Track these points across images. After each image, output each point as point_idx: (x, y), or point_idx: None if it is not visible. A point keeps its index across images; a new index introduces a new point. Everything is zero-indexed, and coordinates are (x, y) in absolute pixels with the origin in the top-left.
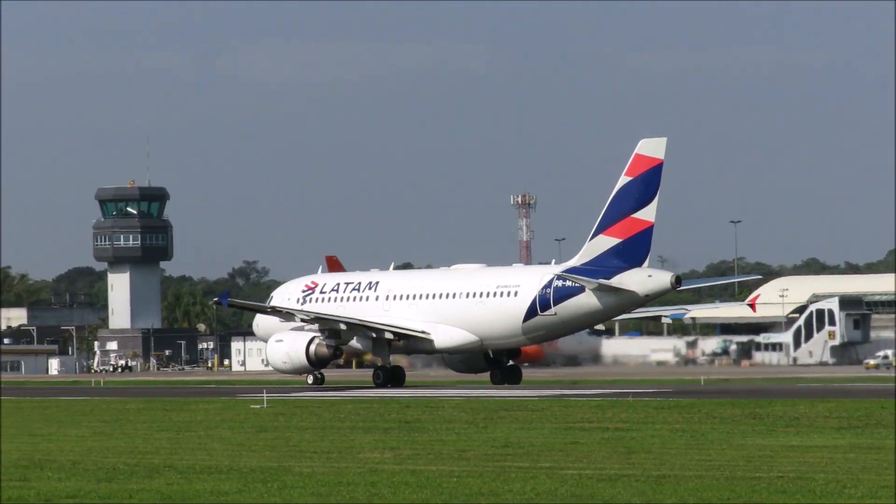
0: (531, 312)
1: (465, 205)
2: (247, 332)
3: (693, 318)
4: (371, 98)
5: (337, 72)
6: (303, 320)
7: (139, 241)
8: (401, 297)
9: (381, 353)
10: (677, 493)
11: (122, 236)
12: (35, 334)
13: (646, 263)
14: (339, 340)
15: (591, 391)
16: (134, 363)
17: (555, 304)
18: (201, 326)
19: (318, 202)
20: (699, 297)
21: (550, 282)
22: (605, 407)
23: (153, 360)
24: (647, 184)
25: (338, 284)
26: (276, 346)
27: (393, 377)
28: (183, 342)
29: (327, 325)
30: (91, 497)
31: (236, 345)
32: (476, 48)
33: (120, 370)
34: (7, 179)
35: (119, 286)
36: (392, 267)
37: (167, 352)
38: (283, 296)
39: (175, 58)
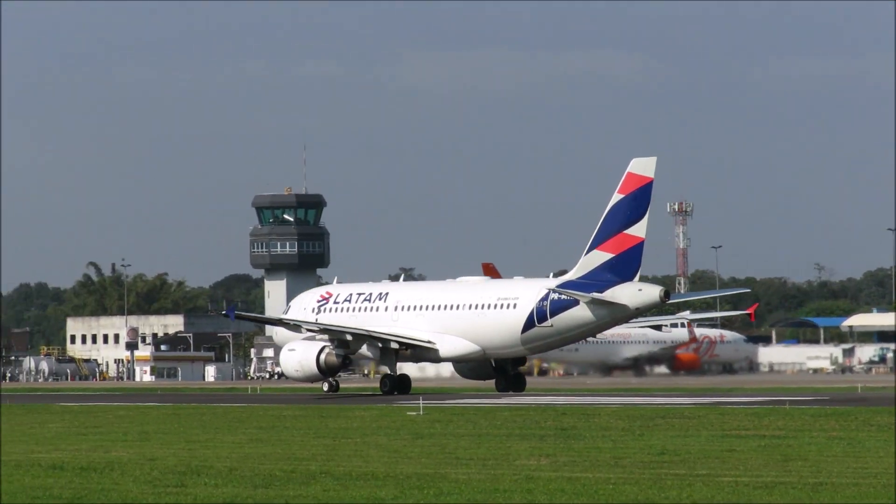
0: (529, 324)
1: None
2: None
3: (850, 326)
4: (526, 105)
5: (493, 79)
6: (308, 330)
7: (296, 249)
8: (409, 308)
9: (388, 361)
10: (834, 500)
11: (278, 243)
12: (192, 341)
13: (636, 277)
14: (348, 350)
15: (747, 399)
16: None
17: (551, 317)
18: None
19: (475, 209)
20: (856, 305)
21: (547, 295)
22: (761, 414)
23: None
24: (637, 201)
25: (350, 295)
26: (289, 354)
27: (399, 384)
28: None
29: (335, 336)
30: (247, 503)
31: None
32: (632, 55)
33: (276, 377)
34: (166, 186)
35: (276, 293)
36: (402, 278)
37: None
38: (300, 306)
39: (332, 65)
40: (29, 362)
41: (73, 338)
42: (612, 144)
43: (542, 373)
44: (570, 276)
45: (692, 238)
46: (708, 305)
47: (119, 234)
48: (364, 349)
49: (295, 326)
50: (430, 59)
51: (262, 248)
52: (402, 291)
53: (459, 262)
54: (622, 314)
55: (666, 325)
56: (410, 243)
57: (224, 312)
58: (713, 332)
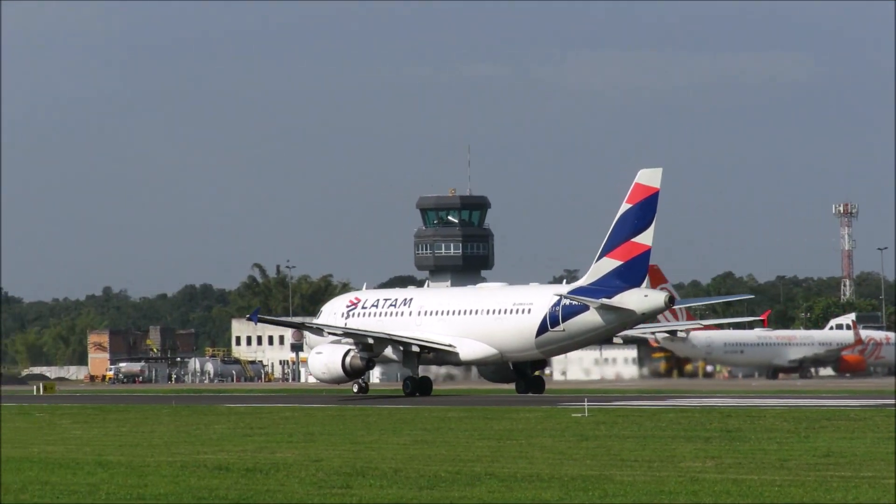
0: (542, 328)
1: (785, 214)
2: None
3: None
4: (684, 107)
5: (649, 80)
6: (332, 334)
7: (460, 250)
8: (431, 313)
9: (410, 364)
10: None
11: (443, 245)
12: None
13: (644, 284)
14: (372, 353)
15: None
16: (456, 372)
17: (563, 321)
18: None
19: None
20: None
21: (560, 300)
22: None
23: (474, 369)
24: (645, 210)
25: (378, 300)
26: (317, 357)
27: (420, 386)
28: None
29: (359, 339)
30: None
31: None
32: (797, 56)
33: (441, 379)
34: (331, 188)
35: None
36: (427, 285)
37: None
38: (330, 310)
39: (496, 66)
40: (194, 363)
41: (237, 339)
42: (778, 146)
43: (708, 375)
44: (582, 282)
45: (857, 240)
46: (873, 307)
47: (284, 236)
48: (388, 352)
49: (318, 330)
50: (593, 60)
51: (426, 249)
52: (425, 297)
53: None
54: (629, 319)
55: (680, 331)
56: (574, 245)
57: (248, 316)
58: (879, 335)
